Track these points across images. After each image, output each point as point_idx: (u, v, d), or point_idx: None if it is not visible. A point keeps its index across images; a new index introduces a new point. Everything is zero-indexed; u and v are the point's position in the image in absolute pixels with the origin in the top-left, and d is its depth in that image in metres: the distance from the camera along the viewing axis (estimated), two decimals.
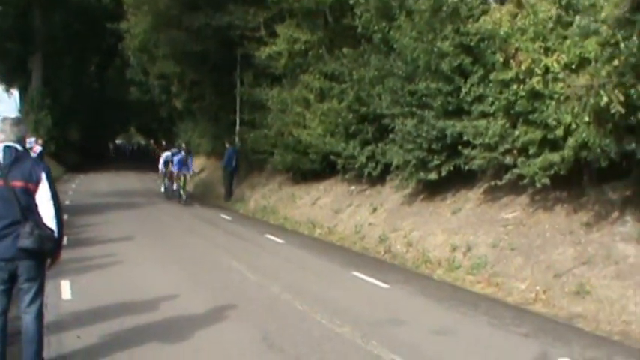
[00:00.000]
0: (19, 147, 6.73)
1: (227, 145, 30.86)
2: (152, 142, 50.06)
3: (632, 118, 9.83)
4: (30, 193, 6.62)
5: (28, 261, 6.63)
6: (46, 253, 6.73)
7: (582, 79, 10.02)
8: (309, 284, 12.14)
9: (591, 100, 9.73)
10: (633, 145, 10.16)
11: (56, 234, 6.66)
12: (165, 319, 9.39)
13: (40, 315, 6.94)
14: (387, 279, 12.51)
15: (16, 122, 6.89)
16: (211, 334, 8.70)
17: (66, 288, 11.28)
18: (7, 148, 6.63)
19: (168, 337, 8.46)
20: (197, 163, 41.90)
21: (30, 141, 17.28)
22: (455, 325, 9.36)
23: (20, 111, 54.82)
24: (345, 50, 20.47)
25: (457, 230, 14.49)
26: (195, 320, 9.30)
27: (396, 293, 11.61)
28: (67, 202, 27.56)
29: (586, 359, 7.97)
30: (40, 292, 6.93)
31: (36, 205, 6.64)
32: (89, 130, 69.66)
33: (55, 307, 9.91)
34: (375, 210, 18.34)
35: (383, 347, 8.12)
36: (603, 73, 9.62)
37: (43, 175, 6.69)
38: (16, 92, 57.95)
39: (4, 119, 6.92)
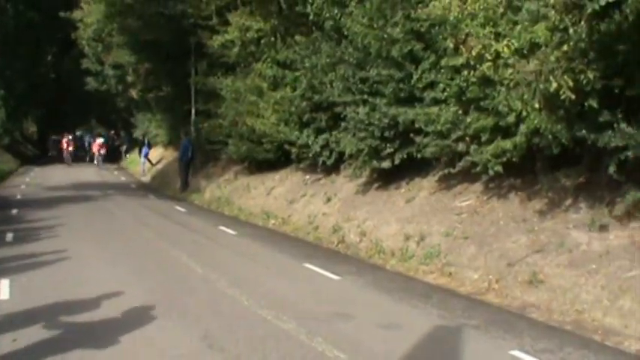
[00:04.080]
0: None
1: (182, 136, 30.55)
2: (112, 132, 50.86)
3: (584, 105, 9.63)
4: None
5: None
6: None
7: (531, 65, 9.80)
8: (258, 278, 11.87)
9: (541, 86, 9.54)
10: (584, 131, 9.96)
11: None
12: (105, 318, 9.06)
13: None
14: (339, 270, 12.29)
15: None
16: (151, 333, 8.39)
17: (4, 287, 10.90)
18: None
19: (104, 338, 8.09)
20: (155, 154, 41.66)
21: None
22: (404, 319, 9.14)
23: None
24: (297, 38, 20.24)
25: (411, 219, 14.29)
26: (135, 319, 8.96)
27: (346, 285, 11.38)
28: (18, 196, 27.47)
29: (537, 351, 7.76)
30: None
31: None
32: (47, 122, 68.76)
33: None
34: (329, 199, 18.11)
35: (327, 344, 7.85)
36: (552, 58, 9.42)
37: None
38: None
39: None
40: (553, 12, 9.38)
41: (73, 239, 15.82)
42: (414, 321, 9.04)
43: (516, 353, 7.68)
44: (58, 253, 13.83)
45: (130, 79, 40.36)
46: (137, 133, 48.40)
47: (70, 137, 59.20)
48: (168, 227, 18.61)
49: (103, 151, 54.69)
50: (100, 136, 59.25)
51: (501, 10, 11.64)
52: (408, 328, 8.72)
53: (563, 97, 9.30)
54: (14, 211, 22.23)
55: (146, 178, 39.20)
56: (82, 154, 61.17)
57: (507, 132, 11.88)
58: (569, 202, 11.51)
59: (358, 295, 10.76)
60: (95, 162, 53.65)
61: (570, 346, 8.04)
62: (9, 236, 16.38)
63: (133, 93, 42.15)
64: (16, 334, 8.26)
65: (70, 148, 56.78)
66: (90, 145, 61.02)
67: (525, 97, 10.08)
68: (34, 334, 8.30)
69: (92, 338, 8.13)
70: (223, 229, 17.83)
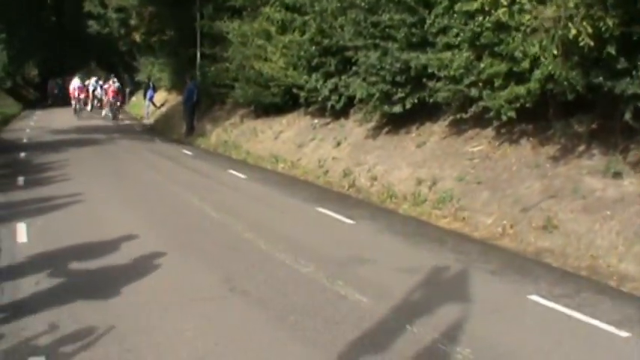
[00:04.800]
0: None
1: (187, 80, 30.44)
2: (113, 76, 49.05)
3: (601, 52, 9.60)
4: None
5: None
6: None
7: (550, 11, 9.75)
8: (273, 221, 11.99)
9: (559, 32, 9.51)
10: (601, 78, 9.96)
11: None
12: (124, 261, 9.16)
13: None
14: (352, 215, 12.38)
15: None
16: (172, 276, 8.51)
17: (22, 231, 10.98)
18: None
19: (128, 280, 8.21)
20: (158, 97, 41.49)
21: None
22: (422, 263, 9.20)
23: None
24: None
25: (422, 164, 14.34)
26: (155, 262, 9.07)
27: (361, 230, 11.50)
28: (25, 140, 27.42)
29: (554, 296, 7.86)
30: None
31: None
32: (47, 65, 68.27)
33: (10, 251, 9.69)
34: (338, 144, 18.13)
35: (349, 287, 7.96)
36: (571, 4, 9.37)
37: None
38: None
39: None
40: None
41: (84, 183, 15.86)
42: (431, 265, 9.12)
43: (535, 298, 7.77)
44: (71, 196, 13.88)
45: (133, 22, 39.93)
46: (140, 77, 48.03)
47: (79, 82, 46.24)
48: (178, 171, 18.67)
49: (118, 100, 43.01)
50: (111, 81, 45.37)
51: None
52: (426, 271, 8.81)
53: (582, 43, 9.28)
54: (22, 155, 22.27)
55: (149, 121, 39.10)
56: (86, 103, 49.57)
57: (521, 78, 11.88)
58: (582, 148, 11.56)
59: (374, 239, 10.88)
60: (109, 114, 42.09)
61: (587, 291, 8.15)
62: (20, 180, 16.43)
63: (136, 36, 41.72)
64: (38, 277, 8.36)
65: (82, 95, 46.20)
66: (99, 92, 49.15)
67: (544, 43, 10.05)
68: (56, 277, 8.40)
69: (114, 280, 8.23)
70: (233, 173, 17.88)
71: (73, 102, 44.09)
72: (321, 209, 12.91)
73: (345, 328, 6.63)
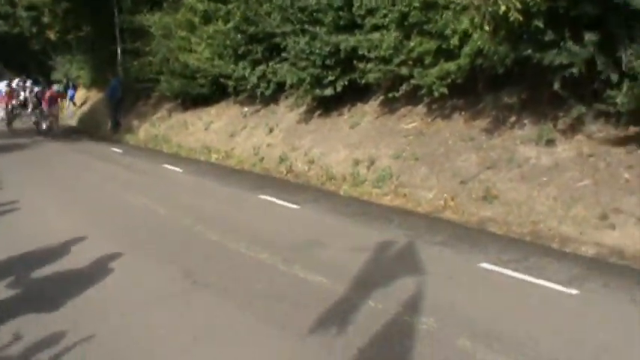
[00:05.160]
0: None
1: (110, 77, 30.12)
2: (24, 77, 46.73)
3: (529, 25, 9.93)
4: None
5: None
6: None
7: None
8: (219, 212, 12.04)
9: (490, 9, 9.82)
10: (530, 50, 10.31)
11: None
12: (80, 265, 8.98)
13: None
14: (295, 199, 12.56)
15: None
16: (132, 275, 8.48)
17: None
18: None
19: (88, 283, 8.13)
20: (78, 95, 40.81)
21: None
22: (373, 241, 9.43)
23: None
24: None
25: (358, 144, 14.57)
26: (112, 263, 8.97)
27: (306, 213, 11.68)
28: None
29: (504, 262, 8.20)
30: None
31: None
32: None
33: None
34: (271, 130, 18.24)
35: (307, 270, 8.15)
36: None
37: None
38: None
39: None
40: None
41: (17, 190, 15.26)
42: (381, 242, 9.37)
43: (485, 265, 8.12)
44: (8, 204, 13.41)
45: (46, 20, 39.19)
46: (56, 76, 47.20)
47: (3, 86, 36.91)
48: (112, 169, 18.42)
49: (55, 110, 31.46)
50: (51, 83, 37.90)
51: None
52: (378, 248, 9.07)
53: (511, 19, 9.60)
54: None
55: (73, 121, 38.46)
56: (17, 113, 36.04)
57: (450, 54, 12.20)
58: (513, 119, 11.97)
59: (321, 221, 11.07)
60: (47, 127, 30.47)
61: (533, 255, 8.53)
62: None
63: (51, 34, 40.97)
64: None
65: (14, 102, 35.00)
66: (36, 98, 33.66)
67: (476, 20, 10.35)
68: (13, 286, 8.22)
69: (74, 287, 8.09)
70: (168, 167, 17.80)
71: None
72: (263, 196, 13.02)
73: (311, 309, 6.82)
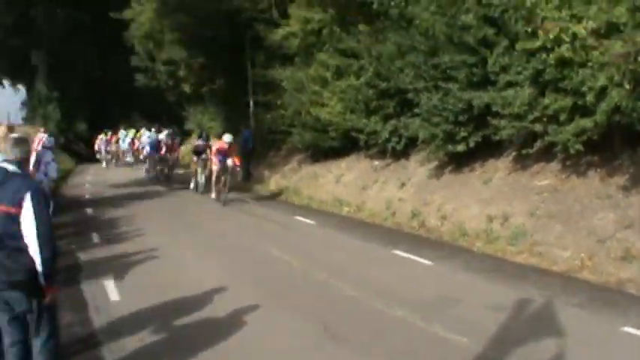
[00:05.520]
0: (10, 168, 6.00)
1: (242, 128, 30.91)
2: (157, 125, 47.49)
3: None
4: (12, 217, 5.83)
5: (8, 292, 5.89)
6: (31, 285, 5.88)
7: (617, 46, 10.03)
8: (353, 267, 12.17)
9: (630, 67, 9.77)
10: None
11: (39, 265, 5.82)
12: (220, 314, 9.34)
13: (49, 349, 6.25)
14: (428, 255, 12.59)
15: (18, 142, 6.17)
16: (270, 327, 8.70)
17: (111, 288, 11.18)
18: None
19: (228, 333, 8.44)
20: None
21: (41, 136, 16.78)
22: (508, 300, 9.40)
23: (26, 105, 54.84)
24: (360, 27, 20.48)
25: (490, 201, 14.55)
26: (251, 314, 9.23)
27: (440, 270, 11.70)
28: (87, 196, 27.51)
29: None
30: (44, 325, 6.18)
31: (20, 231, 5.85)
32: (94, 120, 69.39)
33: (106, 309, 9.89)
34: (402, 185, 18.39)
35: (446, 329, 8.20)
36: (638, 39, 9.64)
37: (28, 195, 5.85)
38: (22, 88, 58.09)
39: (7, 136, 6.43)
40: None
41: (157, 237, 16.08)
42: (517, 301, 9.32)
43: (627, 329, 7.97)
44: (149, 251, 14.04)
45: (182, 73, 40.72)
46: (188, 126, 48.92)
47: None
48: (245, 219, 18.86)
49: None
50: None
51: None
52: (515, 308, 9.03)
53: None
54: (89, 211, 22.56)
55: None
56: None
57: (586, 111, 12.09)
58: None
59: (455, 278, 11.08)
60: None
61: None
62: (95, 237, 16.67)
63: (185, 87, 42.52)
64: (140, 335, 8.53)
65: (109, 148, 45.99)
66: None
67: (616, 78, 10.30)
68: (158, 334, 8.61)
69: (216, 334, 8.42)
70: (300, 219, 18.08)
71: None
72: (396, 251, 13.13)
73: None
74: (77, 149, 62.52)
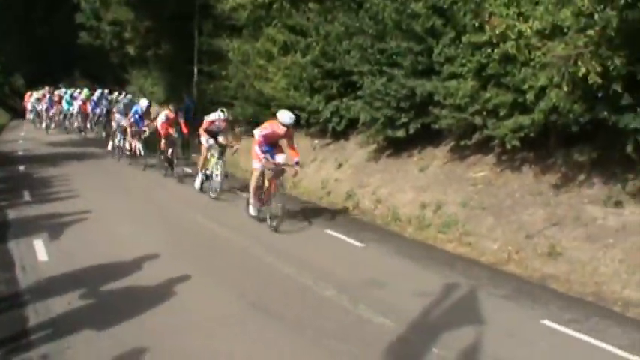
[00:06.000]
0: None
1: (184, 96, 30.72)
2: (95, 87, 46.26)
3: (608, 88, 10.09)
4: None
5: None
6: None
7: (559, 48, 10.25)
8: (285, 244, 12.33)
9: (570, 70, 10.00)
10: (605, 113, 10.47)
11: None
12: (151, 281, 9.39)
13: None
14: (360, 237, 12.75)
15: None
16: (197, 297, 8.88)
17: (40, 248, 11.22)
18: None
19: (158, 300, 8.56)
20: (152, 111, 41.37)
21: None
22: (435, 286, 9.61)
23: None
24: (311, 5, 20.49)
25: (426, 188, 14.77)
26: (180, 283, 9.37)
27: (371, 252, 11.90)
28: (20, 152, 27.19)
29: (565, 321, 8.30)
30: None
31: None
32: (34, 76, 68.14)
33: (34, 269, 9.92)
34: (340, 165, 18.54)
35: (371, 310, 8.40)
36: (580, 43, 9.87)
37: None
38: None
39: None
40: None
41: (91, 198, 16.02)
42: (444, 288, 9.54)
43: (547, 322, 8.23)
44: (83, 213, 14.04)
45: (127, 35, 40.27)
46: (131, 89, 48.44)
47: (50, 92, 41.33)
48: (184, 190, 18.85)
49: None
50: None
51: None
52: (441, 295, 9.25)
53: (591, 81, 9.77)
54: (21, 168, 22.25)
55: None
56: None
57: (525, 108, 12.33)
58: (582, 177, 12.04)
59: (385, 262, 11.30)
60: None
61: (594, 316, 8.62)
62: (26, 195, 16.52)
63: (130, 49, 42.07)
64: (68, 297, 8.57)
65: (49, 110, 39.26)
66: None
67: (555, 79, 10.52)
68: (86, 298, 8.63)
69: (145, 303, 8.47)
70: (237, 193, 17.91)
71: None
72: (329, 231, 13.30)
73: (376, 350, 7.10)
74: (13, 104, 61.45)
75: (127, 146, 23.91)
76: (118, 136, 25.18)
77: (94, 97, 36.29)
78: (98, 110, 35.63)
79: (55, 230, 12.54)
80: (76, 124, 37.43)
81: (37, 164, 23.01)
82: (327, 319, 8.14)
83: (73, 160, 24.51)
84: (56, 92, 42.72)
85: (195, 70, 31.65)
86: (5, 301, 8.36)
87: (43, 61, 63.59)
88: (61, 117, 39.42)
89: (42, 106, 40.05)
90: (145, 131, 22.78)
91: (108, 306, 8.35)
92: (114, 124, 26.16)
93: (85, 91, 38.49)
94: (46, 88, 43.93)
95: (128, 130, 23.54)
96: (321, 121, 19.89)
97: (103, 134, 32.81)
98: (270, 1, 22.75)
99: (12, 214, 14.02)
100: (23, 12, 52.64)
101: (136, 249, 11.16)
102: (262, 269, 10.47)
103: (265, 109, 22.95)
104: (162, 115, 20.61)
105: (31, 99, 43.01)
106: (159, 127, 20.65)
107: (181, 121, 21.34)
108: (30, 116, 43.12)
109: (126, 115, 24.33)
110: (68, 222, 13.31)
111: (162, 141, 20.53)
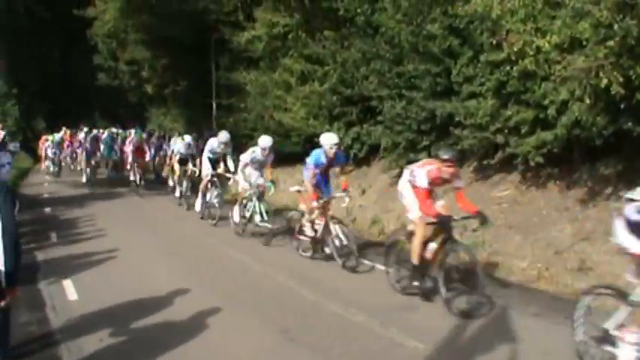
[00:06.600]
0: None
1: (204, 130, 30.81)
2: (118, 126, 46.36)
3: (631, 99, 9.99)
4: None
5: None
6: None
7: (580, 61, 10.17)
8: (313, 272, 12.22)
9: (591, 82, 9.91)
10: (630, 124, 10.36)
11: (2, 264, 5.69)
12: (182, 316, 9.30)
13: None
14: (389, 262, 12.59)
15: None
16: (229, 329, 8.78)
17: (69, 288, 11.15)
18: None
19: (189, 336, 8.46)
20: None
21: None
22: (466, 308, 9.45)
23: None
24: (326, 33, 20.53)
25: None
26: (212, 317, 9.28)
27: None
28: (45, 195, 27.16)
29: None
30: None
31: None
32: (53, 118, 68.50)
33: (64, 309, 9.86)
34: (364, 191, 18.48)
35: (403, 334, 8.30)
36: (601, 54, 9.78)
37: None
38: None
39: None
40: (597, 9, 9.74)
41: (117, 236, 15.97)
42: (475, 309, 9.39)
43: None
44: (109, 252, 13.96)
45: (145, 74, 40.48)
46: (150, 127, 48.67)
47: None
48: (204, 224, 18.79)
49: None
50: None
51: (540, 5, 11.99)
52: (473, 316, 9.14)
53: (613, 92, 9.67)
54: (47, 210, 22.31)
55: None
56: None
57: (547, 124, 12.24)
58: (609, 190, 11.88)
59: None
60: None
61: None
62: (53, 236, 16.52)
63: (148, 88, 42.27)
64: (99, 335, 8.51)
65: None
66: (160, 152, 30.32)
67: (577, 92, 10.44)
68: (117, 335, 8.57)
69: (176, 338, 8.38)
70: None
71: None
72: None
73: None
74: (35, 147, 61.76)
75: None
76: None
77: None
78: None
79: (83, 269, 12.50)
80: (132, 177, 28.03)
81: (62, 206, 23.02)
82: (359, 343, 8.06)
83: (96, 199, 24.42)
84: (79, 136, 36.12)
85: (214, 104, 31.75)
86: (38, 341, 8.34)
87: (61, 103, 64.01)
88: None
89: (65, 153, 36.53)
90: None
91: (140, 342, 8.31)
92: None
93: (135, 131, 29.54)
94: (65, 130, 39.86)
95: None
96: (342, 148, 19.79)
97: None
98: (286, 32, 22.88)
99: (40, 256, 13.98)
100: (38, 47, 53.03)
101: (164, 282, 11.17)
102: (288, 297, 10.38)
103: (285, 140, 22.94)
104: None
105: (46, 144, 37.37)
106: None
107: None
108: (46, 164, 36.87)
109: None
110: (96, 261, 13.25)
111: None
